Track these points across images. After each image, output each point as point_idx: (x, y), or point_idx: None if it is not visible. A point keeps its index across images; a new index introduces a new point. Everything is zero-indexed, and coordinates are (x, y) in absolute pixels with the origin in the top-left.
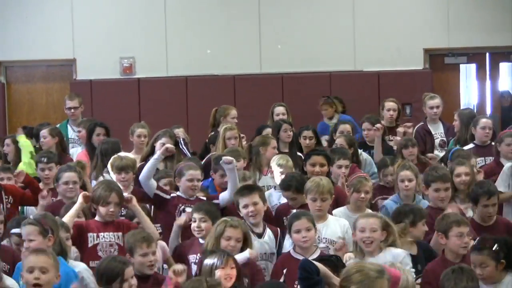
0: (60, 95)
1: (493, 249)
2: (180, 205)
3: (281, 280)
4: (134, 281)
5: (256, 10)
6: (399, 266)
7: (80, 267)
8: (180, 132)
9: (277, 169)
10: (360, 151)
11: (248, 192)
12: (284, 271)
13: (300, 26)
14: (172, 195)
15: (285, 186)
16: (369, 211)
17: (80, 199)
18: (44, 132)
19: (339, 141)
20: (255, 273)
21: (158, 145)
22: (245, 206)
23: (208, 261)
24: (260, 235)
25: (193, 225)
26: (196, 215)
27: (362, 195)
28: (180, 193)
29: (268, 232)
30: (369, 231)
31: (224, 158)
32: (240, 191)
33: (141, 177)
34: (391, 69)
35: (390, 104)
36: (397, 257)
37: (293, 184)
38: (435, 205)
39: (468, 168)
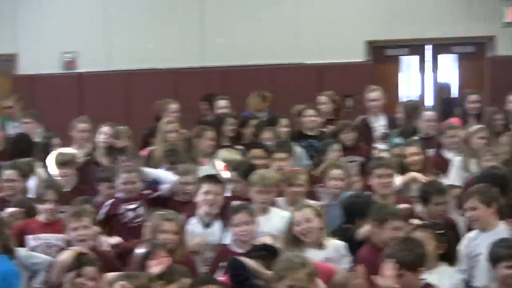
0: (1, 90)
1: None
2: (121, 205)
3: (218, 273)
4: (91, 284)
5: (198, 3)
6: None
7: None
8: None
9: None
10: (293, 144)
11: (207, 181)
12: (222, 263)
13: (243, 19)
14: (110, 200)
15: (233, 166)
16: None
17: None
18: None
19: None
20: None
21: (98, 136)
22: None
23: (139, 252)
24: (207, 225)
25: None
26: None
27: (296, 188)
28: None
29: (218, 223)
30: (305, 222)
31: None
32: (203, 178)
33: None
34: (333, 61)
35: (321, 99)
36: (338, 249)
37: (241, 168)
38: (378, 192)
39: (417, 148)
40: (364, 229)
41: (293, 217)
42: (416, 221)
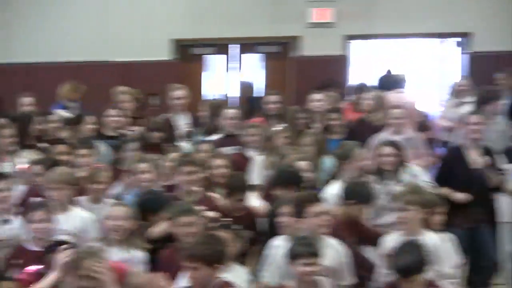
0: None
1: None
2: None
3: (13, 270)
4: None
5: None
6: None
7: None
8: None
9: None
10: (97, 142)
11: None
12: (17, 261)
13: (49, 15)
14: None
15: (38, 161)
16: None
17: None
18: None
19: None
20: None
21: None
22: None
23: None
24: (5, 221)
25: None
26: None
27: (98, 185)
28: None
29: (17, 219)
30: (119, 220)
31: None
32: None
33: None
34: (139, 59)
35: (123, 97)
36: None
37: (46, 163)
38: (185, 189)
39: (225, 161)
40: (158, 228)
41: (108, 211)
42: (211, 214)
